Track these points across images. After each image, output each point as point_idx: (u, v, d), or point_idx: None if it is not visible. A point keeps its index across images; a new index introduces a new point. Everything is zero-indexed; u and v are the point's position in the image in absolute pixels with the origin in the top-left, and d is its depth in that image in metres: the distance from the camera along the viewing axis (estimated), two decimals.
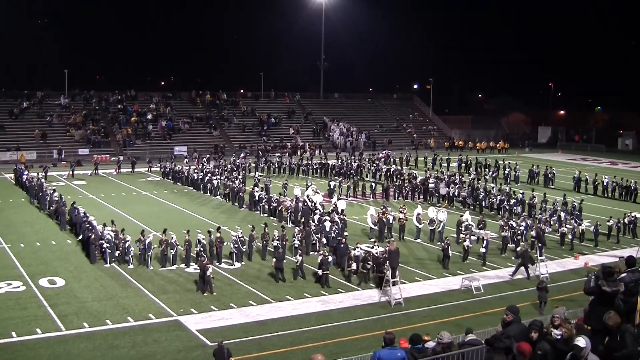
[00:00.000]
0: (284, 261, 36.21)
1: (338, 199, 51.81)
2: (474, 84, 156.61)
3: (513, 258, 40.30)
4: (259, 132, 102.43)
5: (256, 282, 35.15)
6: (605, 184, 65.58)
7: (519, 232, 42.74)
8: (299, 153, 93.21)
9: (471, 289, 34.21)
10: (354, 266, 35.51)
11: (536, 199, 53.74)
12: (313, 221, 43.90)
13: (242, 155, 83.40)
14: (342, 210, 47.82)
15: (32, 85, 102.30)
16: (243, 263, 38.28)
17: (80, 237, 41.40)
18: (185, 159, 79.63)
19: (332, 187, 60.28)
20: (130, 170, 75.15)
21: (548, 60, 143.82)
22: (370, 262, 35.55)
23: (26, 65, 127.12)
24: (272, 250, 39.05)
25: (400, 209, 46.82)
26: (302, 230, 40.88)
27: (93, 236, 38.57)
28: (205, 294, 32.66)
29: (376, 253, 36.32)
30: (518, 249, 38.74)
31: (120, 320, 29.24)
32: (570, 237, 44.07)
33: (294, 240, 39.43)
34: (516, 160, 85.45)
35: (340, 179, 64.44)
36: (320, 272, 34.68)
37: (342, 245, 36.72)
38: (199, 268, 33.80)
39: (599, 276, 14.26)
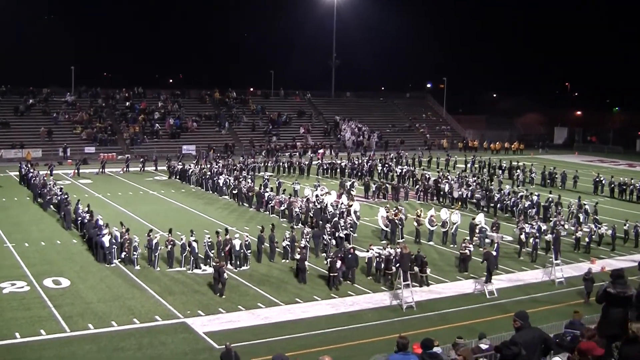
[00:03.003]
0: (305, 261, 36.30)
1: (352, 200, 51.80)
2: (489, 83, 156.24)
3: (529, 262, 40.31)
4: (268, 131, 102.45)
5: (265, 284, 35.14)
6: (616, 185, 65.37)
7: (533, 235, 42.53)
8: (309, 152, 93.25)
9: (484, 292, 34.13)
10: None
11: (552, 201, 53.62)
12: (328, 222, 43.80)
13: (252, 155, 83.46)
14: (357, 212, 47.82)
15: (38, 82, 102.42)
16: (249, 266, 38.28)
17: (84, 235, 41.57)
18: (193, 161, 79.47)
19: (349, 187, 60.15)
20: (140, 169, 75.37)
21: (565, 59, 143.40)
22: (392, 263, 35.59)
23: (32, 61, 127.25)
24: (282, 251, 39.14)
25: (418, 212, 46.71)
26: (312, 231, 40.89)
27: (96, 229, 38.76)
28: (223, 297, 32.72)
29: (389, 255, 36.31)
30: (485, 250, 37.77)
31: (126, 321, 29.25)
32: (587, 240, 43.88)
33: (302, 241, 39.48)
34: (531, 161, 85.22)
35: (353, 180, 64.33)
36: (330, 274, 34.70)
37: (351, 256, 35.84)
38: (214, 270, 33.74)
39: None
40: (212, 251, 37.64)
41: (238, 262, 37.69)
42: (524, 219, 48.06)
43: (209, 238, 38.38)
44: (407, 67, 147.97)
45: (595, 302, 14.94)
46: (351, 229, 43.77)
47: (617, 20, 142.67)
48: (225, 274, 33.20)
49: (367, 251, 37.06)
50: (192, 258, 37.17)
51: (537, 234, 42.42)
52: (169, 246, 37.49)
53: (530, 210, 51.93)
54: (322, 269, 36.77)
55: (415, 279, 35.18)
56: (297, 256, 36.25)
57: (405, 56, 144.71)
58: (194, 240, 37.50)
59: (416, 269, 35.35)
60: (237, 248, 37.87)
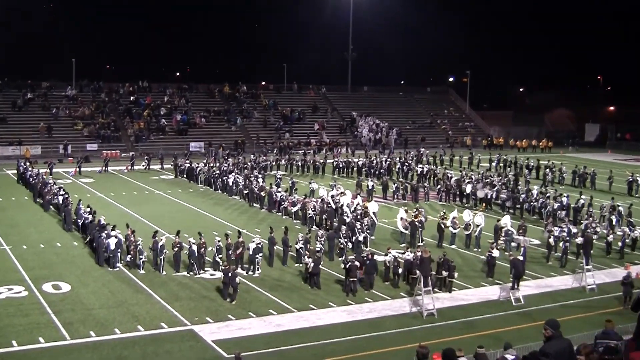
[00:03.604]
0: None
1: (370, 201, 51.77)
2: (515, 77, 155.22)
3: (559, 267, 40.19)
4: (279, 127, 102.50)
5: (277, 289, 35.14)
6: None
7: (563, 238, 42.32)
8: (324, 150, 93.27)
9: (510, 299, 34.01)
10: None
11: (583, 203, 53.42)
12: (344, 224, 43.80)
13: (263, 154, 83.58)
14: (375, 213, 47.79)
15: (37, 75, 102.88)
16: (260, 271, 38.28)
17: (87, 239, 41.69)
18: (202, 159, 79.62)
19: (370, 188, 60.11)
20: (145, 167, 75.59)
21: (597, 50, 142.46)
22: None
23: (31, 53, 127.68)
24: (295, 255, 39.15)
25: (442, 214, 46.60)
26: (326, 234, 40.90)
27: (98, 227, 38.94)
28: (234, 303, 32.77)
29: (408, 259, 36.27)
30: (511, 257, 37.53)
31: (129, 329, 29.28)
32: (620, 244, 43.67)
33: (317, 244, 39.49)
34: (561, 160, 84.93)
35: (370, 180, 64.24)
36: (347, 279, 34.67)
37: (369, 262, 35.62)
38: (223, 274, 33.75)
39: None
40: (220, 255, 37.62)
41: (252, 267, 37.67)
42: (553, 221, 47.91)
43: (218, 241, 38.35)
44: (428, 60, 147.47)
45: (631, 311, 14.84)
46: (368, 231, 43.74)
47: None
48: (237, 278, 33.29)
49: (385, 255, 37.00)
50: (190, 262, 37.21)
51: (567, 238, 42.19)
52: (176, 249, 37.57)
53: (559, 212, 51.74)
54: (338, 274, 36.75)
55: (444, 283, 35.41)
56: (308, 259, 36.20)
57: (426, 48, 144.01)
58: (193, 243, 37.45)
59: (444, 273, 35.42)
60: (251, 253, 37.84)
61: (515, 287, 34.42)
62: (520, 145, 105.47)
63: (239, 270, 36.43)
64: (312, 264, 35.60)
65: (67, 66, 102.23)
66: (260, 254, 38.06)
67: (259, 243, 38.04)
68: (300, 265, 38.84)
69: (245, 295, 33.71)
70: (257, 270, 37.59)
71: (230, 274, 33.01)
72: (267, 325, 30.18)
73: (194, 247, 37.29)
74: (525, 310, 33.11)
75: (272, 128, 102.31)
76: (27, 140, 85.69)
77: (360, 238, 41.92)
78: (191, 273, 37.05)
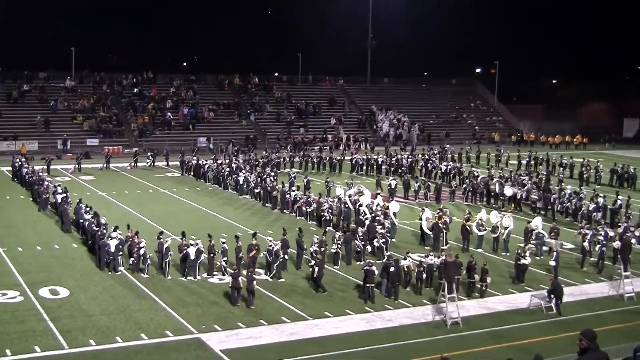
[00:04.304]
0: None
1: (391, 200, 51.72)
2: (548, 68, 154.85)
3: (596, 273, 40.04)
4: (291, 121, 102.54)
5: (290, 295, 35.13)
6: None
7: (599, 242, 42.08)
8: (341, 147, 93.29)
9: (542, 308, 33.88)
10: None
11: (620, 204, 53.19)
12: (361, 226, 43.70)
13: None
14: (395, 214, 47.70)
15: (34, 65, 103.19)
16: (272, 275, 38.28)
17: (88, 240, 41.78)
18: (211, 156, 79.72)
19: (393, 186, 60.04)
20: (149, 164, 75.87)
21: (636, 39, 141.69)
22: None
23: (27, 41, 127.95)
24: (309, 258, 39.11)
25: (467, 215, 46.49)
26: (343, 236, 40.89)
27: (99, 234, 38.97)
28: (252, 307, 32.92)
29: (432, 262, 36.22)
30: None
31: (132, 337, 29.29)
32: None
33: (333, 247, 39.47)
34: (597, 157, 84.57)
35: (391, 178, 64.16)
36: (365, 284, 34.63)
37: (394, 269, 35.08)
38: (231, 278, 33.75)
39: None
40: (225, 258, 37.56)
41: (272, 271, 37.66)
42: (588, 223, 47.71)
43: (223, 243, 38.22)
44: (453, 50, 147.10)
45: None
46: (389, 234, 43.63)
47: None
48: (254, 282, 33.39)
49: (405, 259, 36.88)
50: (188, 265, 37.24)
51: (604, 241, 41.91)
52: (183, 251, 37.58)
53: (595, 213, 51.56)
54: (356, 279, 36.71)
55: (475, 288, 35.57)
56: (312, 262, 36.21)
57: (451, 37, 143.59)
58: (192, 245, 37.40)
59: (477, 277, 35.45)
60: (271, 256, 37.86)
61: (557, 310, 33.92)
62: (553, 141, 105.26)
63: (258, 271, 36.38)
64: (316, 267, 35.63)
65: (66, 55, 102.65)
66: (281, 258, 38.13)
67: (271, 245, 38.09)
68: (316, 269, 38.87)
69: (256, 302, 33.64)
70: (270, 274, 37.66)
71: (241, 278, 33.03)
72: (279, 333, 30.14)
73: (191, 250, 37.23)
74: (557, 319, 32.94)
75: (286, 122, 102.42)
76: (23, 135, 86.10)
77: (379, 243, 41.74)
78: (189, 278, 37.10)
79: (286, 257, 39.03)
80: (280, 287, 36.34)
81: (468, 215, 46.36)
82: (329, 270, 38.56)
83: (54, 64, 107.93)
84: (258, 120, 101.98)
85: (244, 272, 34.97)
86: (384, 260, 37.48)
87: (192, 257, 37.12)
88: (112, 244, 38.14)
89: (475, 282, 35.58)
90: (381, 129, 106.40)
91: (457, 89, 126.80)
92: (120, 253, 38.27)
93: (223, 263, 37.48)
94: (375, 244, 41.74)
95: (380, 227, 42.83)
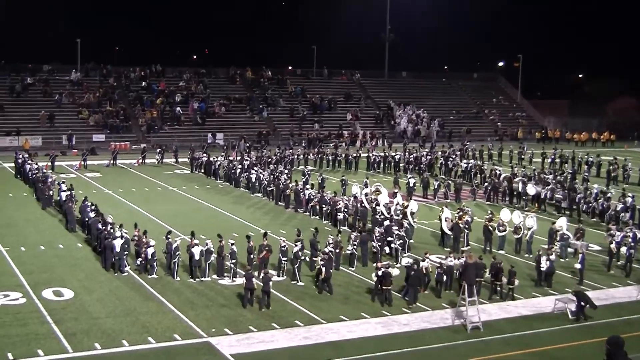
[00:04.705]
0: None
1: (410, 200, 51.64)
2: (573, 61, 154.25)
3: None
4: (303, 117, 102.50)
5: (304, 297, 35.13)
6: None
7: (627, 244, 41.91)
8: (358, 144, 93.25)
9: (567, 312, 33.76)
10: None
11: None
12: (380, 225, 43.62)
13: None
14: (413, 214, 47.60)
15: (38, 58, 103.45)
16: (285, 277, 38.25)
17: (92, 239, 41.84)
18: (222, 153, 79.70)
19: (412, 185, 59.95)
20: (157, 160, 76.06)
21: None
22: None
23: (31, 33, 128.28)
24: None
25: (489, 215, 46.36)
26: (359, 236, 40.86)
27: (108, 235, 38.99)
28: (270, 309, 33.06)
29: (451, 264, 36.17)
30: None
31: (139, 340, 29.36)
32: None
33: (349, 248, 39.42)
34: (625, 155, 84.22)
35: (410, 176, 63.99)
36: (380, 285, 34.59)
37: (414, 273, 34.84)
38: (245, 279, 33.80)
39: None
40: (233, 261, 37.44)
41: (282, 273, 37.77)
42: (616, 224, 47.54)
43: (232, 244, 37.99)
44: (474, 42, 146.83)
45: None
46: (406, 234, 43.57)
47: None
48: (270, 283, 33.48)
49: (423, 260, 36.80)
50: (194, 266, 37.32)
51: (632, 243, 41.83)
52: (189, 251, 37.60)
53: (623, 214, 51.38)
54: (372, 281, 36.65)
55: (500, 291, 35.61)
56: (321, 261, 36.27)
57: (472, 29, 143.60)
58: (196, 245, 37.44)
59: (504, 279, 35.45)
60: (284, 257, 38.05)
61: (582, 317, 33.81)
62: (579, 138, 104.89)
63: (271, 272, 36.34)
64: (324, 268, 35.62)
65: (71, 48, 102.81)
66: (285, 258, 38.10)
67: (284, 246, 38.10)
68: (330, 271, 38.83)
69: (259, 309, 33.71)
70: (282, 275, 37.71)
71: (256, 279, 33.07)
72: (292, 337, 30.15)
73: (196, 250, 37.25)
74: (583, 324, 32.81)
75: (300, 118, 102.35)
76: (26, 130, 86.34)
77: (396, 245, 41.60)
78: (199, 279, 37.15)
79: (306, 259, 39.12)
80: (294, 289, 36.38)
81: (490, 215, 46.20)
82: (345, 272, 38.59)
83: (58, 56, 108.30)
84: (271, 115, 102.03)
85: (255, 273, 35.01)
86: (402, 264, 37.46)
87: (197, 257, 37.18)
88: (117, 243, 38.19)
89: (502, 284, 35.50)
90: (399, 125, 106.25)
91: (479, 84, 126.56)
92: (126, 253, 38.36)
93: (232, 266, 37.39)
94: (392, 245, 41.68)
95: (396, 228, 42.70)
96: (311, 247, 39.62)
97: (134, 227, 40.78)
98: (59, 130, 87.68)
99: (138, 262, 38.27)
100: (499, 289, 35.71)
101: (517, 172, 65.04)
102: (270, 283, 33.48)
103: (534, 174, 63.99)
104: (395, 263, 39.05)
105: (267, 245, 38.14)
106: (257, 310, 32.89)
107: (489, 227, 44.57)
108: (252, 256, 37.70)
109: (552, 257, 38.34)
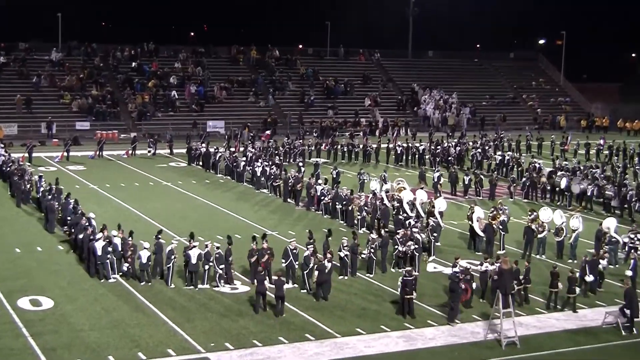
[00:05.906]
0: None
1: (437, 197, 51.60)
2: (625, 40, 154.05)
3: None
4: (310, 103, 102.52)
5: (315, 308, 35.10)
6: None
7: None
8: (377, 133, 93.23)
9: (618, 326, 33.65)
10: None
11: None
12: (402, 227, 43.55)
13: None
14: (441, 213, 47.47)
15: (13, 35, 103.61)
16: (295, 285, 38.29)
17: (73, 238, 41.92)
18: (223, 145, 79.84)
19: (436, 180, 59.91)
20: (149, 151, 76.12)
21: None
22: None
23: (5, 6, 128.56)
24: (338, 265, 39.04)
25: (531, 215, 46.20)
26: (378, 239, 40.86)
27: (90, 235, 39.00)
28: (284, 316, 33.31)
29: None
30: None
31: (128, 356, 29.32)
32: None
33: (365, 251, 39.44)
34: None
35: (436, 170, 63.89)
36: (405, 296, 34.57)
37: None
38: (257, 282, 33.89)
39: None
40: (221, 266, 37.30)
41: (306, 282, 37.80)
42: None
43: (217, 248, 37.85)
44: (511, 18, 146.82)
45: None
46: (434, 234, 43.50)
47: None
48: (284, 288, 33.69)
49: (453, 266, 36.74)
50: (189, 271, 37.29)
51: None
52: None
53: None
54: (392, 289, 36.62)
55: (554, 299, 35.70)
56: (327, 263, 36.34)
57: (509, 2, 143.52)
58: (195, 247, 37.42)
59: (560, 286, 35.41)
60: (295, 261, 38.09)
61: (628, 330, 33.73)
62: (631, 127, 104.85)
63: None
64: (316, 272, 35.79)
65: (52, 23, 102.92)
66: (296, 262, 38.10)
67: (294, 249, 38.08)
68: (345, 278, 38.83)
69: (274, 316, 33.73)
70: (309, 288, 37.69)
71: (269, 283, 33.18)
72: (301, 354, 30.10)
73: (193, 252, 37.21)
74: (635, 341, 32.73)
75: (304, 104, 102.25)
76: (0, 116, 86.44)
77: (413, 248, 41.50)
78: (200, 286, 37.18)
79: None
80: (303, 298, 36.37)
81: (534, 215, 45.95)
82: (362, 278, 38.52)
83: (37, 33, 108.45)
84: (278, 100, 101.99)
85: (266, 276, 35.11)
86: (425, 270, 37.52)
87: (193, 261, 37.16)
88: (98, 246, 38.00)
89: (558, 291, 35.39)
90: (425, 112, 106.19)
91: (516, 65, 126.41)
92: (109, 256, 38.21)
93: (219, 271, 37.29)
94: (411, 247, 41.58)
95: (416, 230, 42.49)
96: (324, 251, 39.57)
97: (118, 228, 40.37)
98: (37, 117, 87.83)
99: (125, 268, 38.22)
100: (553, 296, 35.68)
101: (560, 165, 64.91)
102: (284, 288, 33.53)
103: (579, 168, 63.82)
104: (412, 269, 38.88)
105: (268, 249, 38.11)
106: (261, 322, 32.88)
107: (532, 228, 44.45)
108: (252, 260, 37.60)
109: (604, 262, 38.33)
